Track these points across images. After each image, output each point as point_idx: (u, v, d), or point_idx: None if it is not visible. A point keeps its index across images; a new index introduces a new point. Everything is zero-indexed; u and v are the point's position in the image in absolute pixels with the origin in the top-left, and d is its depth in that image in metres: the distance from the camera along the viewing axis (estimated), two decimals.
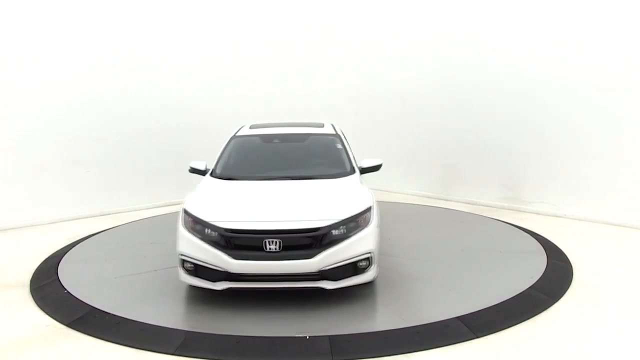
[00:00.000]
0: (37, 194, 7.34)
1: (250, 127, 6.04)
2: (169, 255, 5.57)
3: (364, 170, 5.19)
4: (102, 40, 7.77)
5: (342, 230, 4.10)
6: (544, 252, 5.51)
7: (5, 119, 7.05)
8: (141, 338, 3.73)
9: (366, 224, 4.21)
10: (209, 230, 4.15)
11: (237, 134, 5.85)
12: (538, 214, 7.46)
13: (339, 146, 5.43)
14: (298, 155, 5.50)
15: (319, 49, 9.91)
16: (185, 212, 4.39)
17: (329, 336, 3.66)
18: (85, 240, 6.33)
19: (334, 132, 5.70)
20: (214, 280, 4.12)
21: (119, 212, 7.87)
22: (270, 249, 4.00)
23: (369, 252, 4.13)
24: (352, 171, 5.06)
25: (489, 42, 7.90)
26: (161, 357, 3.49)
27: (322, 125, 5.95)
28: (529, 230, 6.45)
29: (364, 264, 4.14)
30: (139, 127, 8.16)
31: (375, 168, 5.26)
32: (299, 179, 4.85)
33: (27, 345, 3.68)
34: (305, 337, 3.67)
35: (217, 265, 4.04)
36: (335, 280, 4.08)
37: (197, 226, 4.23)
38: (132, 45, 8.05)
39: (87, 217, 7.55)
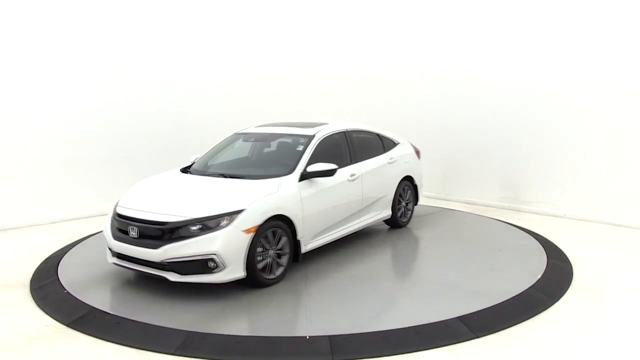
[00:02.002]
0: (37, 194, 7.33)
1: (255, 126, 6.22)
2: None
3: (309, 175, 5.02)
4: (103, 40, 7.76)
5: (195, 228, 4.30)
6: (544, 252, 5.51)
7: (5, 118, 7.05)
8: (141, 338, 3.73)
9: (224, 226, 4.29)
10: (115, 213, 4.87)
11: (237, 132, 6.20)
12: (538, 214, 7.46)
13: (299, 148, 5.36)
14: (256, 155, 5.91)
15: (319, 50, 9.91)
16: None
17: (329, 336, 3.66)
18: (85, 240, 6.32)
19: (310, 134, 5.50)
20: (112, 255, 4.84)
21: None
22: (132, 234, 4.55)
23: (213, 254, 4.21)
24: (288, 174, 4.97)
25: (489, 42, 7.90)
26: (161, 357, 3.50)
27: (314, 126, 5.78)
28: (529, 230, 6.45)
29: (212, 264, 4.25)
30: (139, 127, 8.15)
31: (326, 173, 5.04)
32: (229, 177, 5.14)
33: (27, 345, 3.68)
34: (305, 337, 3.68)
35: (108, 242, 4.80)
36: (181, 274, 4.33)
37: (114, 208, 4.96)
38: (132, 46, 8.05)
39: (87, 217, 7.55)
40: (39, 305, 4.39)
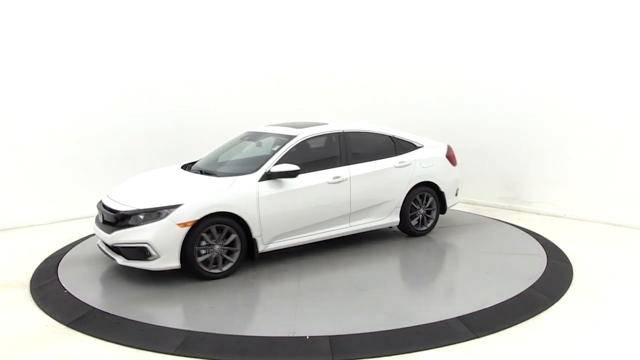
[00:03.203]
0: (37, 194, 7.34)
1: (265, 125, 6.28)
2: None
3: (274, 175, 5.06)
4: (103, 40, 7.77)
5: (139, 218, 4.69)
6: (544, 252, 5.51)
7: (6, 118, 7.05)
8: (141, 338, 3.73)
9: (161, 218, 4.61)
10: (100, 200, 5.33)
11: (248, 130, 6.33)
12: (538, 214, 7.46)
13: (274, 148, 5.40)
14: (238, 153, 5.97)
15: (319, 50, 9.91)
16: None
17: (329, 336, 3.66)
18: (85, 240, 6.32)
19: (292, 135, 5.51)
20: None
21: None
22: (100, 219, 5.06)
23: (145, 243, 4.58)
24: (250, 173, 5.07)
25: (488, 41, 7.91)
26: (161, 357, 3.50)
27: (309, 126, 5.77)
28: (529, 230, 6.45)
29: (147, 252, 4.62)
30: (139, 127, 8.16)
31: (289, 174, 5.07)
32: (205, 173, 5.37)
33: (27, 345, 3.68)
34: (306, 337, 3.67)
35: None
36: (127, 258, 4.74)
37: None
38: (132, 47, 8.05)
39: (87, 217, 7.54)
40: (39, 305, 4.39)
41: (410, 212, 6.11)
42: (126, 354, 3.53)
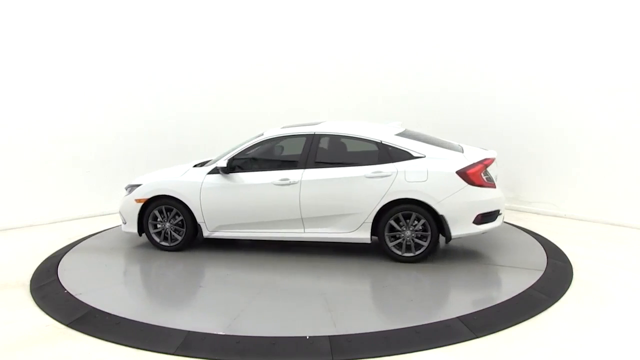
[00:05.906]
0: (37, 194, 7.34)
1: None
2: (169, 255, 5.61)
3: (216, 170, 5.57)
4: (103, 40, 7.77)
5: (128, 191, 5.95)
6: (544, 252, 5.51)
7: (6, 119, 7.05)
8: (141, 338, 3.73)
9: (130, 193, 5.86)
10: None
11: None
12: (538, 214, 7.46)
13: (242, 145, 5.73)
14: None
15: (318, 49, 9.91)
16: None
17: (329, 336, 3.66)
18: (86, 240, 6.33)
19: (260, 134, 5.83)
20: None
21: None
22: None
23: (119, 210, 6.03)
24: (207, 166, 5.73)
25: (488, 42, 7.91)
26: (161, 357, 3.50)
27: (290, 127, 5.89)
28: (529, 230, 6.45)
29: (122, 218, 5.98)
30: (139, 127, 8.16)
31: (220, 170, 5.56)
32: (198, 166, 6.00)
33: (27, 345, 3.68)
34: (305, 337, 3.68)
35: None
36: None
37: None
38: (133, 47, 8.06)
39: (87, 217, 7.56)
40: (39, 305, 4.40)
41: (391, 232, 5.17)
42: (126, 354, 3.53)
